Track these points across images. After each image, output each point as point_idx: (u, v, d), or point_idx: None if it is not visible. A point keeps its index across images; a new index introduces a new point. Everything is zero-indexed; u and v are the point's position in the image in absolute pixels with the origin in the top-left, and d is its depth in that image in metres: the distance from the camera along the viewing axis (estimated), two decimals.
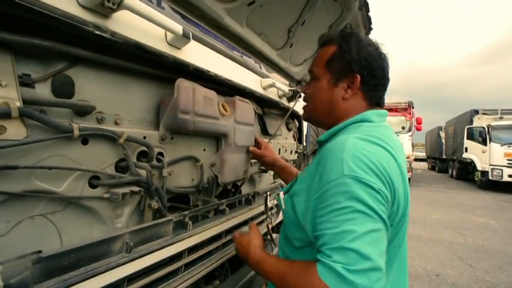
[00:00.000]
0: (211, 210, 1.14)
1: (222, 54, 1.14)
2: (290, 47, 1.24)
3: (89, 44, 0.68)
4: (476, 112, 11.52)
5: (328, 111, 0.82)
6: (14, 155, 0.55)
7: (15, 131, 0.54)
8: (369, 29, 1.47)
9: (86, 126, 0.66)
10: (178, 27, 0.79)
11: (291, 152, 2.09)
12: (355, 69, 0.77)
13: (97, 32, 0.62)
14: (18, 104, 0.54)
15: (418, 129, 11.35)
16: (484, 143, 10.15)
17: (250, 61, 1.37)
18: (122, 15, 0.69)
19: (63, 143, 0.63)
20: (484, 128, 10.31)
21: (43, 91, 0.63)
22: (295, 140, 2.26)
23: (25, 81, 0.59)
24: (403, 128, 10.50)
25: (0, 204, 0.55)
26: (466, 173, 12.33)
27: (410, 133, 10.50)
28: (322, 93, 0.82)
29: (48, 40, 0.59)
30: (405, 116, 10.65)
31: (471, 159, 11.06)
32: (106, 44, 0.69)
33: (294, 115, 2.17)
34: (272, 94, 1.57)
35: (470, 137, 11.09)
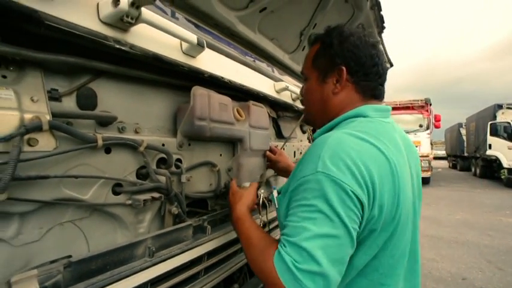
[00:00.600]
0: (229, 214, 1.15)
1: (236, 60, 1.16)
2: (302, 50, 1.25)
3: (109, 57, 0.72)
4: (500, 107, 11.03)
5: (322, 110, 0.81)
6: (45, 165, 0.59)
7: (46, 142, 0.58)
8: (381, 28, 1.45)
9: (109, 136, 0.70)
10: (193, 37, 0.81)
11: None
12: (338, 61, 0.75)
13: (117, 46, 0.65)
14: (48, 117, 0.58)
15: (437, 126, 10.99)
16: (510, 139, 9.70)
17: (263, 65, 1.39)
18: (139, 28, 0.72)
19: (88, 152, 0.67)
20: (509, 123, 9.86)
21: (69, 104, 0.66)
22: (310, 142, 2.25)
23: (53, 96, 0.63)
24: (420, 126, 10.21)
25: (33, 212, 0.59)
26: (491, 171, 11.81)
27: (428, 131, 10.19)
28: (313, 92, 0.81)
29: (73, 56, 0.63)
30: (422, 113, 10.35)
31: (496, 157, 10.59)
32: (125, 57, 0.72)
33: None
34: (286, 97, 1.57)
35: (494, 133, 10.62)
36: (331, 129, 0.76)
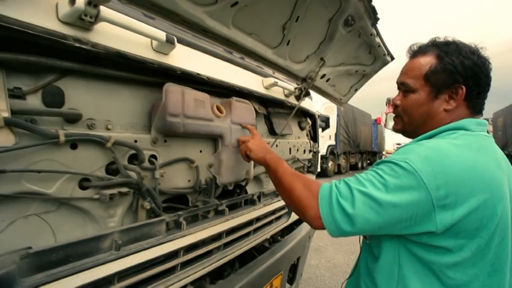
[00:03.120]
0: (211, 210, 1.16)
1: (218, 57, 1.16)
2: (287, 44, 1.22)
3: (79, 57, 0.74)
4: None
5: (426, 124, 0.83)
6: (5, 160, 0.61)
7: (5, 138, 0.60)
8: (374, 19, 1.39)
9: (73, 132, 0.72)
10: (161, 34, 0.82)
11: (304, 151, 2.05)
12: (459, 80, 0.76)
13: (77, 45, 0.66)
14: (6, 114, 0.60)
15: None
16: None
17: (251, 62, 1.37)
18: (105, 27, 0.74)
19: (53, 148, 0.69)
20: None
21: (34, 102, 0.69)
22: (309, 139, 2.21)
23: (16, 94, 0.65)
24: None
25: None
26: None
27: None
28: (421, 106, 0.82)
29: (34, 55, 0.65)
30: None
31: None
32: (94, 56, 0.74)
33: (307, 113, 2.13)
34: (277, 93, 1.55)
35: None
36: (429, 138, 0.80)
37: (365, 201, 0.68)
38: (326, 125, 12.20)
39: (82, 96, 0.78)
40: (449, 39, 0.82)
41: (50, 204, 0.71)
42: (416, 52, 0.85)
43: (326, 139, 11.35)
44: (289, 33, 1.18)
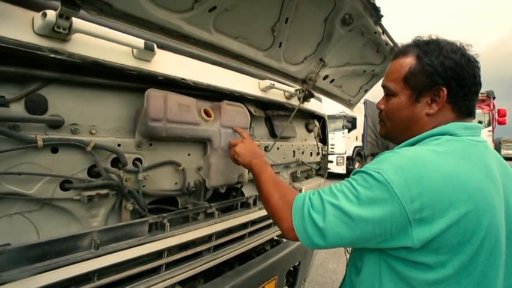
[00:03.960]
0: (200, 213, 1.17)
1: (208, 61, 1.17)
2: (279, 46, 1.21)
3: (62, 66, 0.79)
4: None
5: (410, 128, 0.78)
6: None
7: None
8: (377, 16, 1.33)
9: (52, 137, 0.76)
10: (139, 42, 0.84)
11: (311, 153, 2.01)
12: (439, 81, 0.71)
13: (52, 55, 0.71)
14: None
15: (501, 122, 9.63)
16: None
17: (245, 65, 1.37)
18: (85, 37, 0.78)
19: (33, 152, 0.74)
20: None
21: (17, 109, 0.74)
22: (318, 141, 2.16)
23: None
24: (479, 122, 9.05)
25: None
26: None
27: (490, 128, 8.98)
28: (402, 110, 0.78)
29: (12, 66, 0.70)
30: (482, 108, 9.15)
31: None
32: (75, 65, 0.78)
33: (315, 115, 2.08)
34: (276, 95, 1.53)
35: None
36: (412, 145, 0.75)
37: (336, 214, 0.65)
38: (352, 125, 11.84)
39: (66, 103, 0.83)
40: (433, 37, 0.76)
41: (33, 204, 0.77)
42: (398, 53, 0.80)
43: (352, 140, 11.00)
44: (280, 35, 1.16)
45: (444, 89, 0.71)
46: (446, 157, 0.64)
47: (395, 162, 0.65)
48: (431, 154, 0.65)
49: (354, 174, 0.72)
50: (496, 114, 9.33)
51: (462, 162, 0.65)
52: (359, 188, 0.65)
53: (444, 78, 0.70)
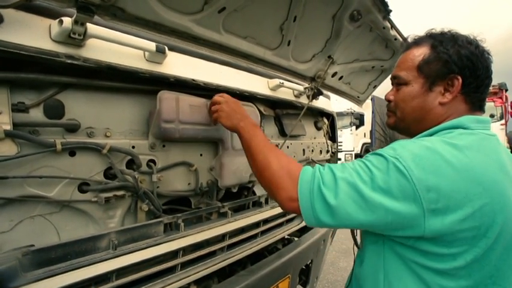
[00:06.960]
0: (213, 212, 1.19)
1: (218, 62, 1.18)
2: (288, 45, 1.21)
3: (79, 71, 0.80)
4: None
5: (421, 119, 0.77)
6: (9, 167, 0.69)
7: (7, 148, 0.68)
8: (385, 11, 1.32)
9: (70, 141, 0.78)
10: (151, 45, 0.86)
11: (321, 151, 2.00)
12: (455, 69, 0.70)
13: (68, 61, 0.73)
14: (8, 127, 0.68)
15: None
16: None
17: (254, 64, 1.37)
18: (99, 42, 0.80)
19: (52, 156, 0.76)
20: None
21: (36, 114, 0.76)
22: (327, 139, 2.15)
23: (20, 108, 0.73)
24: (491, 115, 8.85)
25: (3, 206, 0.70)
26: None
27: (502, 121, 8.77)
28: (414, 99, 0.76)
29: (33, 73, 0.73)
30: (494, 101, 8.94)
31: None
32: (91, 69, 0.80)
33: (324, 113, 2.07)
34: (285, 94, 1.53)
35: None
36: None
37: (349, 194, 0.63)
38: (360, 122, 11.72)
39: (81, 107, 0.85)
40: (446, 30, 0.75)
41: (53, 206, 0.79)
42: (411, 44, 0.79)
43: (360, 137, 10.89)
44: (288, 33, 1.16)
45: (459, 77, 0.70)
46: (462, 149, 0.63)
47: (414, 150, 0.63)
48: (448, 146, 0.64)
49: (368, 156, 0.69)
50: (509, 107, 9.12)
51: (477, 155, 0.63)
52: (375, 171, 0.63)
53: (460, 66, 0.69)
